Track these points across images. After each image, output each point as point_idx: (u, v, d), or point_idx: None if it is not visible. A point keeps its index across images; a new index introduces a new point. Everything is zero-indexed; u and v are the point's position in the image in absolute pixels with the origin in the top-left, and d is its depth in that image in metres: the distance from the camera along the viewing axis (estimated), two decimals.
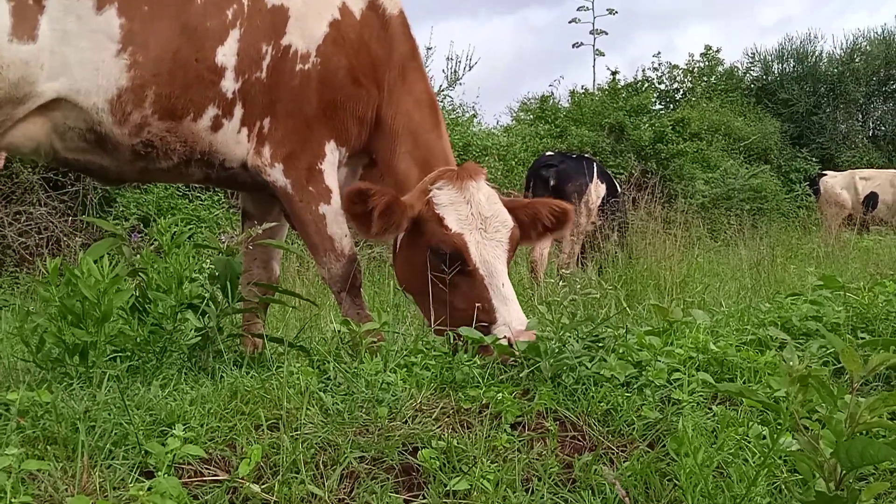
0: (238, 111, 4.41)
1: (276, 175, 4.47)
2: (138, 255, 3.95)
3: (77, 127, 4.20)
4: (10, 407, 2.97)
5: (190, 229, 11.65)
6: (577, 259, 11.20)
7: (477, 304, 4.23)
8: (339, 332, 4.06)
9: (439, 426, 3.22)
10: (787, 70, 31.65)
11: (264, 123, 4.47)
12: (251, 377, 3.48)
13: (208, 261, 3.94)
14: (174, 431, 2.81)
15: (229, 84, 4.36)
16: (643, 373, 3.68)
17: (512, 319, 4.18)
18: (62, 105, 4.13)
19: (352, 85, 4.60)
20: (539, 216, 4.66)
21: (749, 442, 3.10)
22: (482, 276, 4.28)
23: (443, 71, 20.80)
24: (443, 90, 20.58)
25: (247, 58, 4.40)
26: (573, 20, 33.17)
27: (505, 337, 3.97)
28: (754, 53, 32.54)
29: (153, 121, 4.25)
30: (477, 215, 4.36)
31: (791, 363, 2.65)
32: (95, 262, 3.62)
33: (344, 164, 4.78)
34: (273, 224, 4.78)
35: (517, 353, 3.70)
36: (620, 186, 12.54)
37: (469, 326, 3.95)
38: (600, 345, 3.84)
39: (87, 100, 4.12)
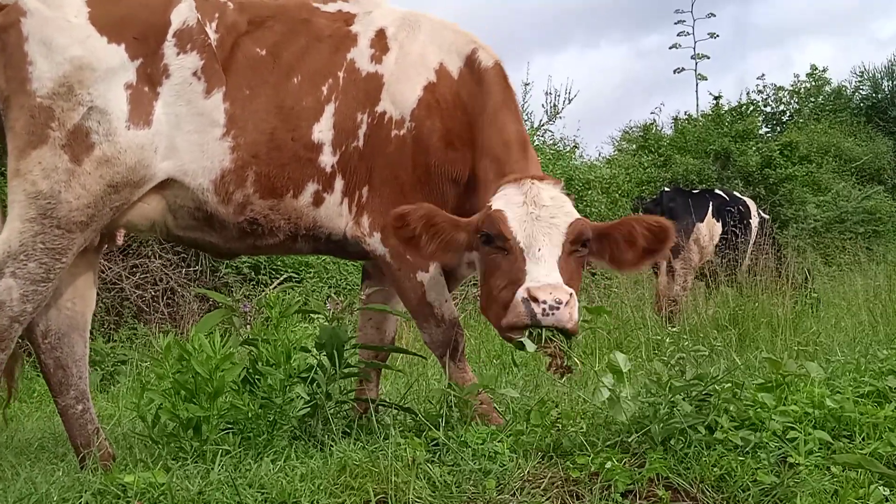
0: (339, 184, 4.46)
1: (375, 244, 4.46)
2: (248, 326, 4.03)
3: (186, 206, 4.35)
4: (127, 489, 3.06)
5: (298, 278, 11.97)
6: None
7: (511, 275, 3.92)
8: (445, 395, 4.06)
9: (548, 498, 3.19)
10: None
11: (362, 193, 4.48)
12: (360, 448, 3.51)
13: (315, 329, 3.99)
14: None
15: (327, 159, 4.42)
16: (757, 433, 3.58)
17: (535, 276, 3.85)
18: (173, 185, 4.29)
19: (446, 148, 4.53)
20: (634, 233, 4.18)
21: None
22: (521, 248, 3.93)
23: (542, 105, 20.78)
24: (542, 125, 20.62)
25: (343, 130, 4.44)
26: (673, 46, 32.86)
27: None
28: (863, 72, 31.63)
29: (255, 199, 4.35)
30: (531, 202, 4.01)
31: None
32: (207, 335, 3.72)
33: None
34: (380, 288, 4.81)
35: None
36: (742, 223, 11.92)
37: (506, 307, 3.84)
38: (710, 402, 3.73)
39: (194, 180, 4.28)
